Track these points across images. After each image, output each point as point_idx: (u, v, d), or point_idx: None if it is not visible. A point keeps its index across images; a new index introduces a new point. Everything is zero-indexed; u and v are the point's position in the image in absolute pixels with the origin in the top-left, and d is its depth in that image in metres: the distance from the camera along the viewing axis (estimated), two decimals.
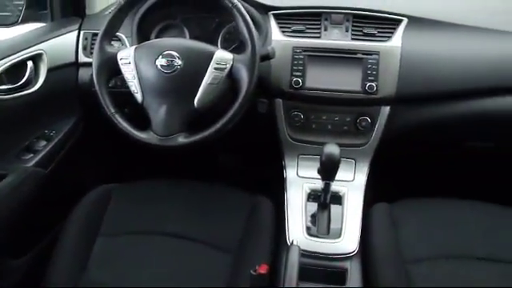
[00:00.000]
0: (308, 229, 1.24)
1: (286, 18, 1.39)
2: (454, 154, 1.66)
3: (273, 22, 1.38)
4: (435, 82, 1.32)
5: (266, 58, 1.24)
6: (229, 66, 1.13)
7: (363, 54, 1.30)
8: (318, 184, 1.22)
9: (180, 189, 1.33)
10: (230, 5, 1.15)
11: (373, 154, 1.41)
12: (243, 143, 1.71)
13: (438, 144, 1.54)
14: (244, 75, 1.13)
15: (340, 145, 1.23)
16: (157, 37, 1.47)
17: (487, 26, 1.38)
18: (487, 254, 1.12)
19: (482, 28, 1.38)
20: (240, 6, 1.16)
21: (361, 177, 1.40)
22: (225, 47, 1.41)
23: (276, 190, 1.39)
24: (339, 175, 1.26)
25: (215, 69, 1.12)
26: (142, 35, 1.41)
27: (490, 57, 1.34)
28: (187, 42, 1.21)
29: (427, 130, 1.41)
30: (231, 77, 1.15)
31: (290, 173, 1.41)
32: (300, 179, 1.39)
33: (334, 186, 1.29)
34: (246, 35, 1.14)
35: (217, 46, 1.42)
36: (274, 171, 1.46)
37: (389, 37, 1.33)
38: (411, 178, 1.70)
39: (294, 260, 1.01)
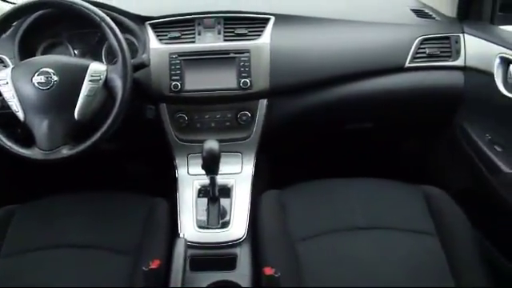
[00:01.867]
0: (199, 222, 1.31)
1: (162, 26, 1.44)
2: (337, 137, 1.77)
3: (150, 32, 1.43)
4: (305, 72, 1.42)
5: (142, 66, 1.30)
6: (103, 77, 1.18)
7: (235, 53, 1.38)
8: (208, 180, 1.28)
9: (81, 201, 1.35)
10: (98, 19, 1.20)
11: (257, 146, 1.49)
12: (144, 148, 1.75)
13: (320, 129, 1.64)
14: (118, 84, 1.18)
15: (225, 140, 1.31)
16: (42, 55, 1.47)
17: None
18: (367, 224, 1.22)
19: (344, 20, 1.50)
20: (107, 19, 1.21)
21: (248, 168, 1.47)
22: (109, 60, 1.46)
23: (172, 189, 1.44)
24: (227, 168, 1.35)
25: (90, 81, 1.17)
26: (27, 55, 1.40)
27: (353, 45, 1.45)
28: (62, 58, 1.24)
29: (305, 118, 1.50)
30: (107, 87, 1.20)
31: (182, 172, 1.47)
32: (191, 177, 1.45)
33: (223, 180, 1.37)
34: (116, 46, 1.20)
35: (101, 59, 1.46)
36: (170, 172, 1.51)
37: (259, 35, 1.41)
38: (301, 164, 1.79)
39: (179, 251, 1.08)
